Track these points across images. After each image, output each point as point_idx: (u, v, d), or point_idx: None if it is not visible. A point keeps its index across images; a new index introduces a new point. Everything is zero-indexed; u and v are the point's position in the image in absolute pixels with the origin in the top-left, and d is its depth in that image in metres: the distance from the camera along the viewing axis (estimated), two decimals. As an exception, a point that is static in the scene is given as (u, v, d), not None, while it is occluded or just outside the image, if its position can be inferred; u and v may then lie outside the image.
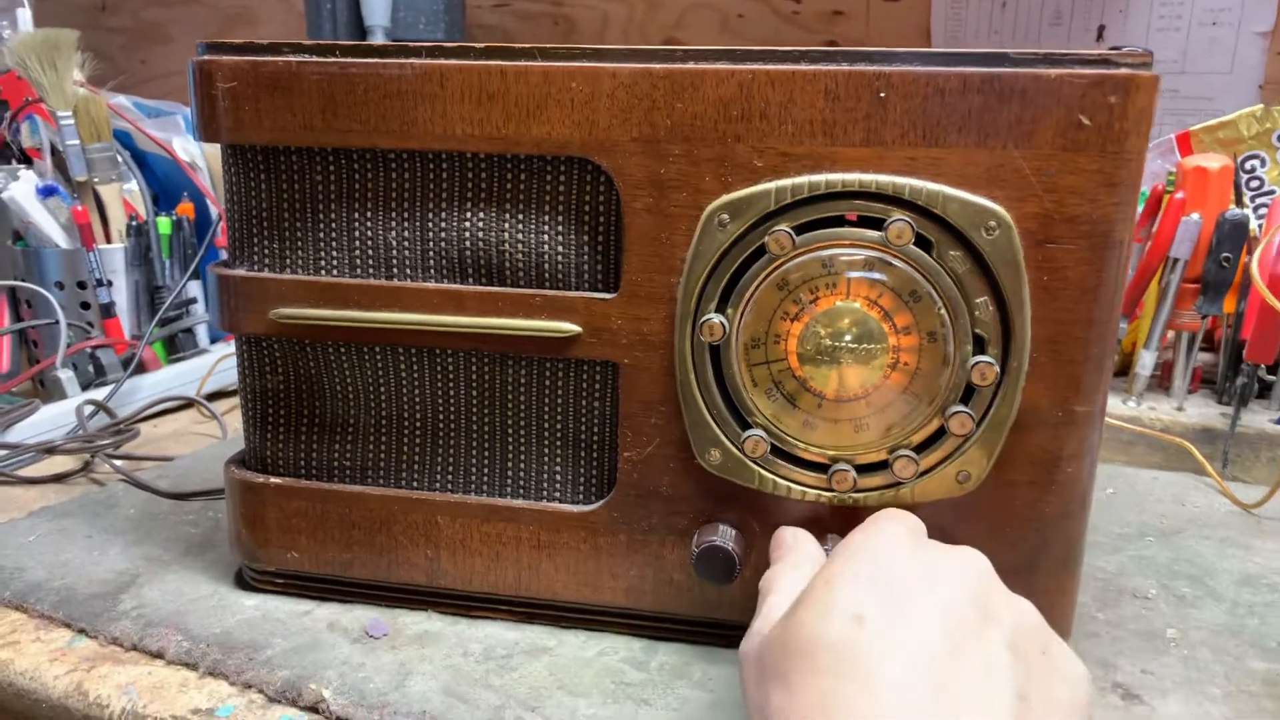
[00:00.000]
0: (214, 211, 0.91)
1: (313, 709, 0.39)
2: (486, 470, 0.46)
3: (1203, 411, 0.69)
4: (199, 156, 0.94)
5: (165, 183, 0.91)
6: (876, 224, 0.38)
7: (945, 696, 0.27)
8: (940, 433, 0.39)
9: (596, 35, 1.13)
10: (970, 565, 0.32)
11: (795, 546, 0.38)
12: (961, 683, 0.28)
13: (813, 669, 0.28)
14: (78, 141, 0.80)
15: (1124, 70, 0.36)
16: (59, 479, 0.64)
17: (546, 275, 0.42)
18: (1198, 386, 0.73)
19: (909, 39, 0.98)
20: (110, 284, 0.80)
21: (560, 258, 0.42)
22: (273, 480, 0.46)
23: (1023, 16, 0.89)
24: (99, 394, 0.74)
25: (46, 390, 0.76)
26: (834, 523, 0.41)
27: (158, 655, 0.43)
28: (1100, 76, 0.36)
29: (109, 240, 0.83)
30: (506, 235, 0.42)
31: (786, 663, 0.29)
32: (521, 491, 0.45)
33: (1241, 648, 0.44)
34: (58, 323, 0.76)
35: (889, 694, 0.27)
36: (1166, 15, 0.85)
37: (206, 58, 0.42)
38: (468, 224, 0.43)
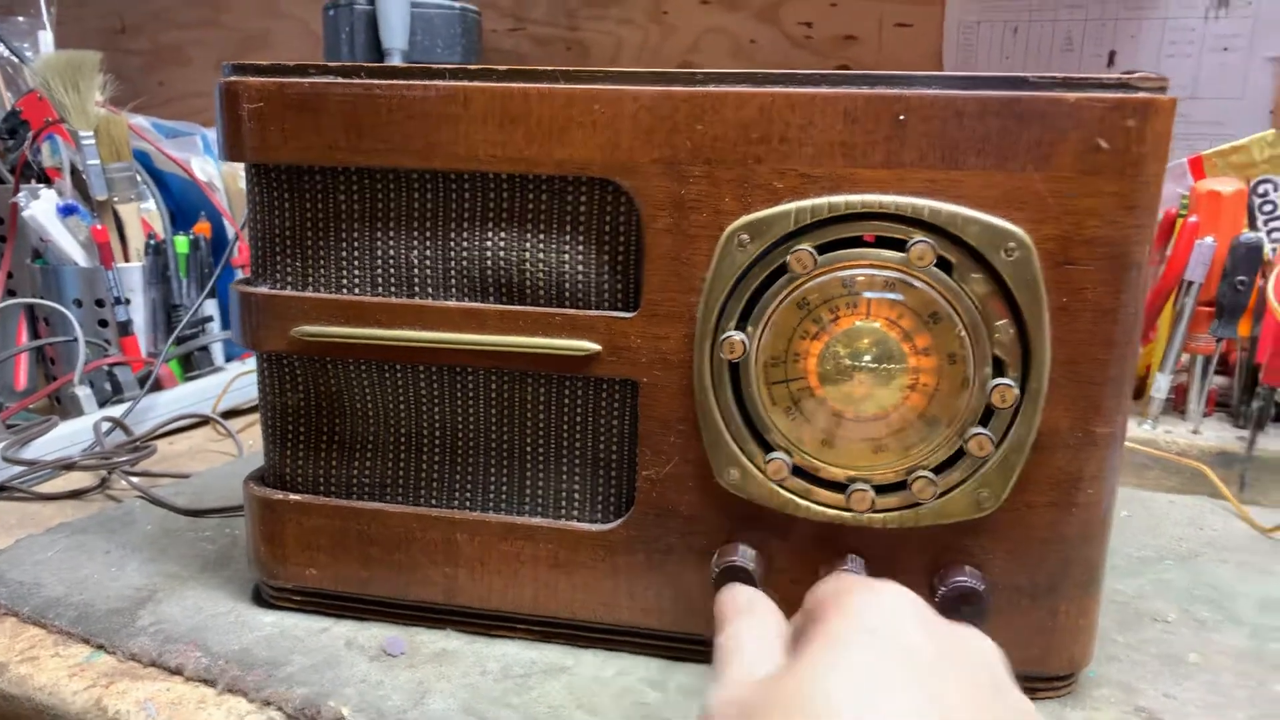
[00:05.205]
0: (230, 231, 0.92)
1: (331, 726, 0.39)
2: (505, 488, 0.46)
3: (1219, 435, 0.69)
4: (216, 176, 0.95)
5: (182, 202, 0.92)
6: (896, 245, 0.38)
7: None
8: (960, 454, 0.39)
9: (610, 59, 1.14)
10: (986, 651, 0.30)
11: (751, 608, 0.34)
12: None
13: None
14: (98, 161, 0.81)
15: (1142, 94, 0.36)
16: (76, 495, 0.64)
17: (567, 294, 0.43)
18: (1213, 410, 0.73)
19: (921, 64, 0.98)
20: (128, 302, 0.81)
21: (581, 277, 0.43)
22: (292, 497, 0.47)
23: (1034, 42, 0.90)
24: (116, 411, 0.74)
25: (64, 407, 0.76)
26: (852, 542, 0.41)
27: (176, 671, 0.43)
28: (1118, 100, 0.36)
29: (127, 259, 0.84)
30: (528, 255, 0.43)
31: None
32: (540, 510, 0.46)
33: (1265, 672, 0.44)
34: (76, 340, 0.76)
35: None
36: (1178, 41, 0.85)
37: (233, 79, 0.43)
38: (489, 243, 0.43)
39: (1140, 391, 0.73)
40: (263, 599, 0.49)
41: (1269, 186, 0.71)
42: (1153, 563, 0.56)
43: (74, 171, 0.85)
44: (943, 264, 0.38)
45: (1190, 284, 0.68)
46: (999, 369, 0.39)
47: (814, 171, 0.38)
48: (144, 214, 0.86)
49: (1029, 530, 0.40)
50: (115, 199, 0.83)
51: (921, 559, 0.41)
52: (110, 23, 1.49)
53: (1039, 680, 0.41)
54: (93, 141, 0.81)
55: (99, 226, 0.80)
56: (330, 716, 0.39)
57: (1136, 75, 0.37)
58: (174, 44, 1.46)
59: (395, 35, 0.91)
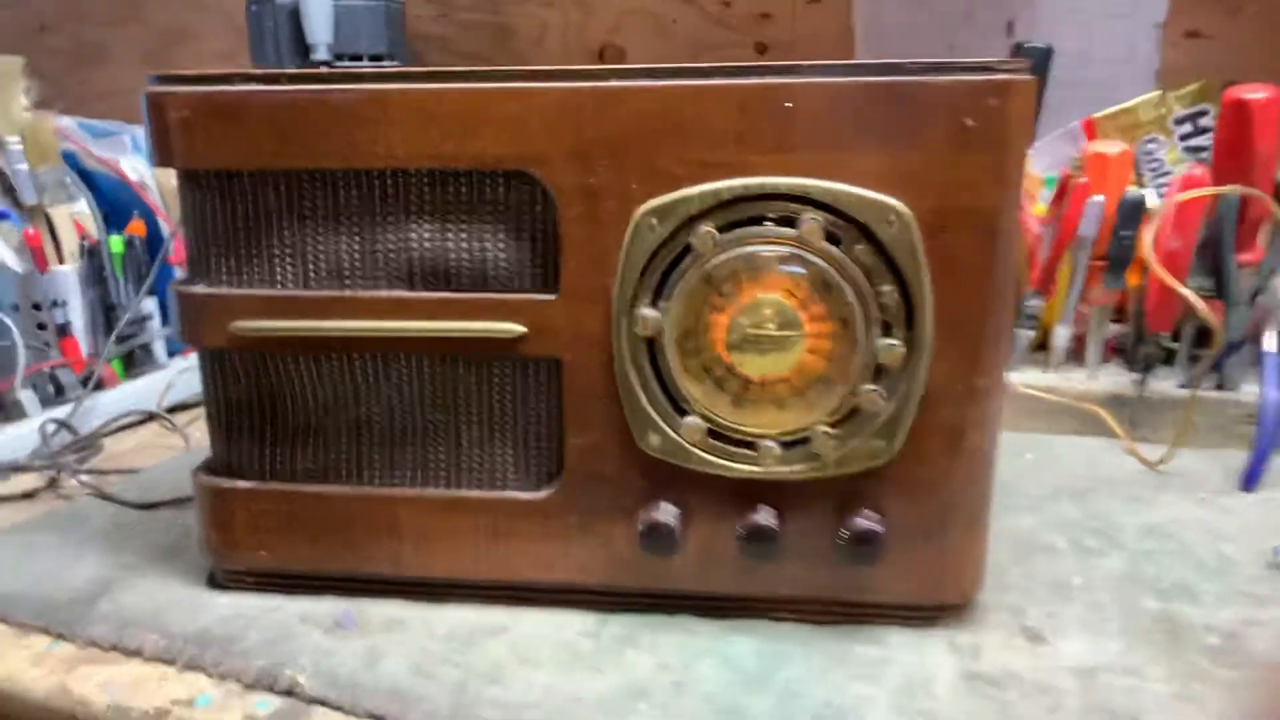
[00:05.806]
0: (165, 228, 0.92)
1: (288, 693, 0.42)
2: (443, 465, 0.49)
3: (1115, 380, 0.74)
4: (148, 175, 0.95)
5: (115, 201, 0.92)
6: (791, 222, 0.42)
7: None
8: (855, 410, 0.43)
9: (535, 42, 1.16)
10: None
11: None
12: None
13: None
14: (26, 166, 0.81)
15: (1002, 76, 0.40)
16: (26, 497, 0.65)
17: (491, 280, 0.46)
18: (1111, 356, 0.78)
19: (832, 37, 1.02)
20: (66, 304, 0.82)
21: (503, 263, 0.45)
22: (239, 484, 0.49)
23: (938, 13, 0.94)
24: (60, 412, 0.75)
25: (7, 411, 0.77)
26: (764, 494, 0.45)
27: (136, 653, 0.45)
28: (982, 83, 0.40)
29: (61, 261, 0.84)
30: (451, 244, 0.46)
31: None
32: (477, 482, 0.49)
33: (1137, 590, 0.49)
34: (15, 345, 0.77)
35: None
36: (1072, 8, 0.90)
37: (158, 89, 0.45)
38: (414, 235, 0.46)
39: (1044, 343, 0.78)
40: (217, 583, 0.51)
41: (1154, 145, 0.76)
42: (1049, 500, 0.61)
43: (2, 177, 0.85)
44: (832, 237, 0.42)
45: (1084, 239, 0.72)
46: (886, 331, 0.42)
47: (711, 158, 0.42)
48: (76, 216, 0.86)
49: (921, 477, 0.44)
50: (46, 203, 0.83)
51: (827, 506, 0.45)
52: (29, 22, 1.47)
53: (933, 609, 0.46)
54: (19, 147, 0.81)
55: (31, 231, 0.81)
56: (286, 684, 0.42)
57: (999, 59, 0.41)
58: (95, 41, 1.44)
59: (319, 30, 0.92)
